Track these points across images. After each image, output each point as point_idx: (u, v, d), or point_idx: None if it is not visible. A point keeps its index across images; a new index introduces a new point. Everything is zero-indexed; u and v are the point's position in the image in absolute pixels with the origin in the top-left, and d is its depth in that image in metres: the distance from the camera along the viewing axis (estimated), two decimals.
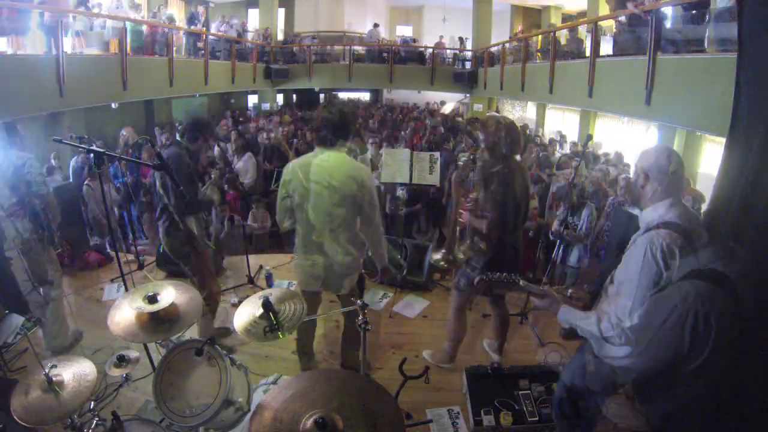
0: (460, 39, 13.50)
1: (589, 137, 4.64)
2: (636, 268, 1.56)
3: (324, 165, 2.40)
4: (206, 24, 11.24)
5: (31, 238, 2.87)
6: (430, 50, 13.16)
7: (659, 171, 1.61)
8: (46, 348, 3.01)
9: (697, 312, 1.42)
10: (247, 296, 2.03)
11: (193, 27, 10.05)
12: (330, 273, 2.53)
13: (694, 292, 1.45)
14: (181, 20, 10.46)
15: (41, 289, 2.97)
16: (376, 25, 13.72)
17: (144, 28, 7.91)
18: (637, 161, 1.71)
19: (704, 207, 4.71)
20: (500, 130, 2.54)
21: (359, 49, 13.38)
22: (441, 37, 13.61)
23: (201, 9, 12.09)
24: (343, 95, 17.51)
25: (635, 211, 3.83)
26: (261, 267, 4.22)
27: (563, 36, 8.33)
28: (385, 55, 13.07)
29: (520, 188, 2.58)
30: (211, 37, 10.26)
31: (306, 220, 2.46)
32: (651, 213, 1.63)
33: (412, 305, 3.75)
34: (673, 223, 1.55)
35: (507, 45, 10.78)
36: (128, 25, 7.22)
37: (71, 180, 5.60)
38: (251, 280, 3.96)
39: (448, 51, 13.63)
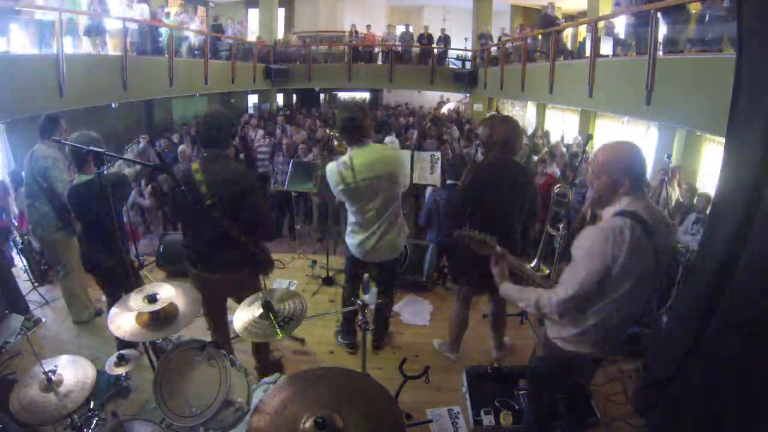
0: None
1: (589, 137, 4.65)
2: (585, 246, 1.61)
3: (365, 160, 2.57)
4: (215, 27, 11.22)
5: (54, 225, 3.16)
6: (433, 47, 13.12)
7: (626, 169, 1.61)
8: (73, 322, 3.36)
9: (614, 228, 1.55)
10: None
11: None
12: (385, 244, 2.74)
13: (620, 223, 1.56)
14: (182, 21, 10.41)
15: (44, 286, 3.13)
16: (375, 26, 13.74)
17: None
18: (597, 157, 1.71)
19: (696, 199, 4.74)
20: (499, 128, 2.63)
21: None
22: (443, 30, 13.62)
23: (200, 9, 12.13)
24: (344, 95, 17.50)
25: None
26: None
27: (568, 35, 8.33)
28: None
29: (514, 184, 2.63)
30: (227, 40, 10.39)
31: (365, 206, 2.67)
32: (615, 207, 1.66)
33: (417, 310, 3.72)
34: (631, 212, 1.58)
35: (507, 45, 10.76)
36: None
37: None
38: None
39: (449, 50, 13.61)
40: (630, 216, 1.58)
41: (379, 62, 13.30)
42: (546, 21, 9.17)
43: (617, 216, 1.59)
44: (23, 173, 3.22)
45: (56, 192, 3.07)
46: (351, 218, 2.78)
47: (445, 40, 13.31)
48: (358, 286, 2.96)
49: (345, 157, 2.61)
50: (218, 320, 2.55)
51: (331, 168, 2.61)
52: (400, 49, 13.24)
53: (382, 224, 2.71)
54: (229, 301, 2.61)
